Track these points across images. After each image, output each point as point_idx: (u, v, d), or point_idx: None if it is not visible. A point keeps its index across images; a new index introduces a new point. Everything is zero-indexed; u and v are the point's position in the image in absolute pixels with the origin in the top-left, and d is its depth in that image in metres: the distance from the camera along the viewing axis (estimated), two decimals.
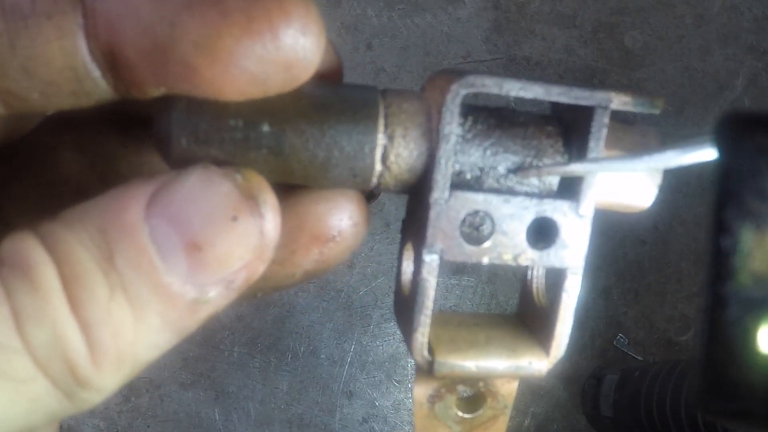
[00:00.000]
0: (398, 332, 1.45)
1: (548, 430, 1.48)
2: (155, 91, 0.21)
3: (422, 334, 0.25)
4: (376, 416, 1.44)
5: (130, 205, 0.20)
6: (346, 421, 1.43)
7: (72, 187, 0.29)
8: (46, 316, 0.19)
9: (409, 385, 1.44)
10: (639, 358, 1.49)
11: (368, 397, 1.44)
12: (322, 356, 1.43)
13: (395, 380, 1.44)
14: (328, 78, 0.24)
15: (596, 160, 0.24)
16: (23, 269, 0.19)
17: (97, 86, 0.21)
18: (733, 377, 0.17)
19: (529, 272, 0.29)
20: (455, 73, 0.23)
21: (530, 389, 1.46)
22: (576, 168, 0.24)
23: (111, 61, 0.21)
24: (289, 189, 0.24)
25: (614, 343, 1.48)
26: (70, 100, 0.22)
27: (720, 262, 0.17)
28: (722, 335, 0.17)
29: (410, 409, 1.43)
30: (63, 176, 0.29)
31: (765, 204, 0.17)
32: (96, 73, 0.21)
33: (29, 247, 0.20)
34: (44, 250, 0.20)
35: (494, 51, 1.50)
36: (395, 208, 1.43)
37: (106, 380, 0.20)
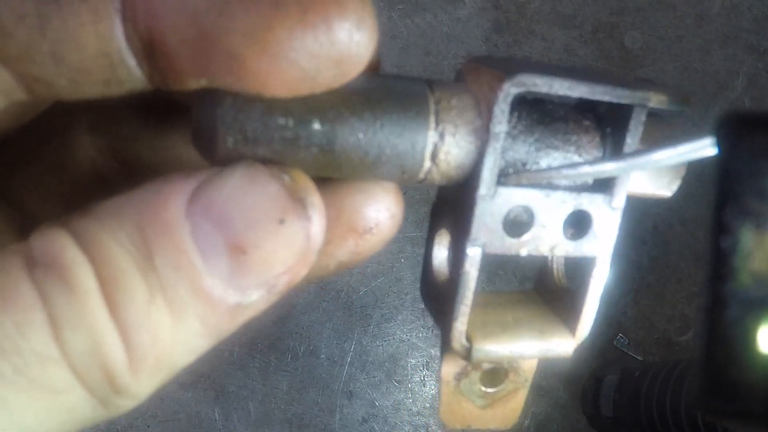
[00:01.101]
0: (398, 332, 1.46)
1: (548, 430, 1.48)
2: (195, 83, 0.20)
3: (462, 323, 0.25)
4: (376, 416, 1.44)
5: (171, 202, 0.19)
6: (346, 421, 1.43)
7: (89, 171, 0.28)
8: (84, 322, 0.18)
9: (409, 385, 1.44)
10: (639, 358, 1.49)
11: (368, 397, 1.44)
12: (322, 356, 1.43)
13: (395, 380, 1.44)
14: (370, 69, 0.23)
15: (636, 155, 0.24)
16: (58, 270, 0.18)
17: (131, 75, 0.20)
18: (733, 377, 0.17)
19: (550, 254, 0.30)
20: (498, 65, 0.23)
21: (530, 389, 1.46)
22: (617, 166, 0.24)
23: (149, 49, 0.19)
24: (325, 179, 0.23)
25: (614, 343, 1.48)
26: (101, 88, 0.20)
27: (720, 262, 0.17)
28: (722, 335, 0.17)
29: (410, 409, 1.43)
30: (79, 160, 0.27)
31: (765, 204, 0.17)
32: (131, 61, 0.20)
33: (63, 245, 0.18)
34: (79, 249, 0.18)
35: (494, 51, 1.50)
36: None
37: (143, 386, 0.20)
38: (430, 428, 1.44)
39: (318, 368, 1.43)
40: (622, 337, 1.48)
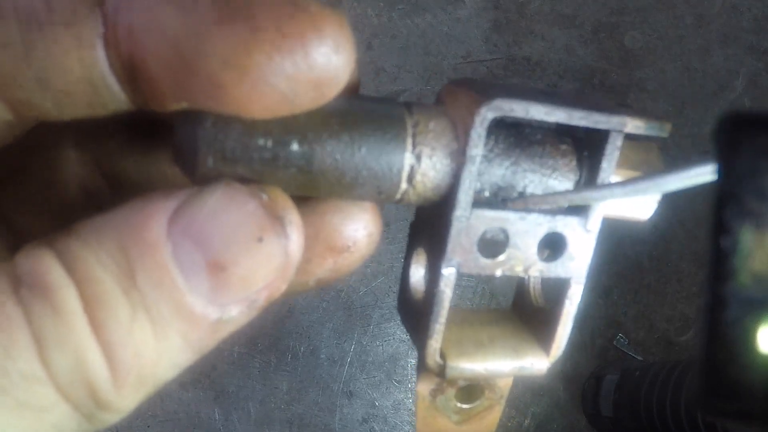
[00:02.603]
0: (398, 332, 1.46)
1: (548, 430, 1.48)
2: (176, 105, 0.21)
3: (436, 341, 0.26)
4: (376, 416, 1.44)
5: (152, 222, 0.20)
6: (346, 421, 1.43)
7: (76, 187, 0.28)
8: (68, 342, 0.19)
9: (409, 386, 1.44)
10: (639, 358, 1.49)
11: (368, 397, 1.44)
12: (322, 356, 1.43)
13: (395, 380, 1.44)
14: (348, 90, 0.24)
15: (606, 187, 0.24)
16: (43, 291, 0.19)
17: (115, 97, 0.21)
18: (733, 377, 0.17)
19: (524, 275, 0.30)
20: (475, 88, 0.24)
21: (530, 389, 1.46)
22: (588, 195, 0.25)
23: (131, 74, 0.20)
24: (304, 198, 0.24)
25: (614, 343, 1.48)
26: (85, 110, 0.21)
27: (720, 262, 0.17)
28: (722, 335, 0.17)
29: (410, 409, 1.43)
30: (66, 175, 0.28)
31: (765, 204, 0.17)
32: (114, 84, 0.20)
33: (48, 266, 0.19)
34: (63, 269, 0.19)
35: (494, 51, 1.50)
36: (395, 207, 1.42)
37: (127, 401, 0.20)
38: None
39: (318, 368, 1.43)
40: (622, 337, 1.48)
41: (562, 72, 1.51)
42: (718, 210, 0.17)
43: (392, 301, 1.44)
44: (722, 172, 0.17)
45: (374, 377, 1.44)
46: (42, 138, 0.27)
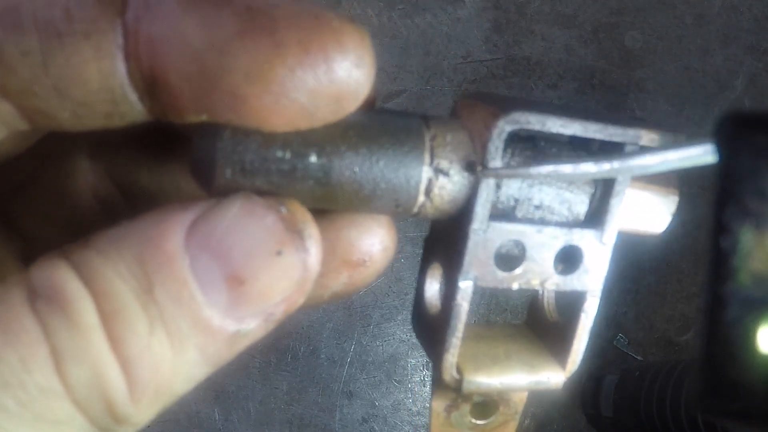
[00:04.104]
0: (398, 332, 1.46)
1: (548, 430, 1.48)
2: (195, 118, 0.20)
3: (453, 355, 0.26)
4: (376, 416, 1.44)
5: (170, 234, 0.19)
6: (346, 421, 1.43)
7: (89, 196, 0.28)
8: (86, 356, 0.18)
9: (409, 386, 1.44)
10: (639, 358, 1.49)
11: (368, 397, 1.44)
12: (322, 356, 1.43)
13: (395, 380, 1.44)
14: (367, 103, 0.23)
15: (633, 156, 0.24)
16: (60, 304, 0.18)
17: (133, 109, 0.20)
18: (733, 377, 0.17)
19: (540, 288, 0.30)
20: (494, 103, 0.24)
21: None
22: (612, 167, 0.24)
23: (151, 86, 0.20)
24: (321, 212, 0.24)
25: (614, 343, 1.48)
26: (102, 121, 0.21)
27: (720, 262, 0.17)
28: (722, 335, 0.17)
29: (410, 410, 1.43)
30: (79, 185, 0.28)
31: (765, 204, 0.17)
32: (133, 96, 0.20)
33: (65, 278, 0.19)
34: (80, 282, 0.19)
35: (494, 51, 1.50)
36: None
37: (143, 415, 0.20)
38: None
39: (318, 368, 1.43)
40: (622, 337, 1.48)
41: (562, 72, 1.51)
42: (718, 210, 0.17)
43: (392, 301, 1.44)
44: (722, 172, 0.17)
45: (374, 377, 1.44)
46: (55, 147, 0.27)
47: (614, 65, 1.53)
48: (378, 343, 1.44)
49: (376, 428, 1.44)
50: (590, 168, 0.24)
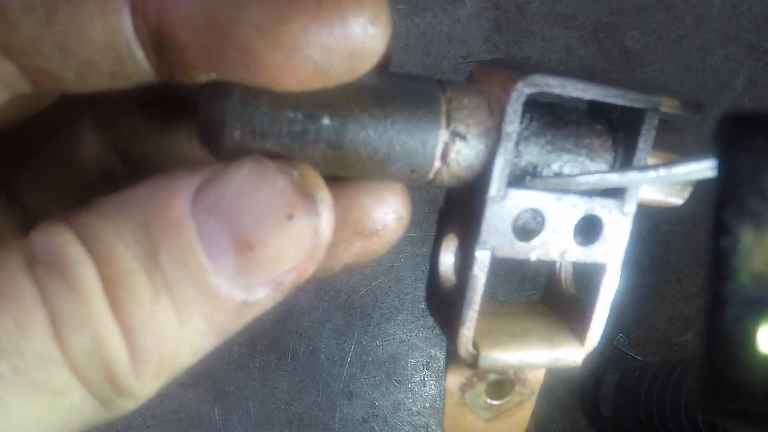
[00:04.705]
0: (398, 332, 1.46)
1: (548, 430, 1.48)
2: (204, 77, 0.20)
3: (469, 329, 0.25)
4: (376, 416, 1.44)
5: (176, 199, 0.19)
6: (346, 421, 1.43)
7: (92, 167, 0.27)
8: (86, 323, 0.18)
9: (409, 385, 1.44)
10: (639, 358, 1.49)
11: (368, 397, 1.44)
12: (322, 356, 1.43)
13: (395, 380, 1.44)
14: (381, 65, 0.22)
15: (643, 169, 0.24)
16: (60, 269, 0.18)
17: (139, 68, 0.20)
18: (733, 377, 0.17)
19: (558, 263, 0.30)
20: (511, 68, 0.23)
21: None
22: (629, 177, 0.24)
23: (158, 42, 0.19)
24: (332, 180, 0.23)
25: (614, 343, 1.48)
26: (108, 81, 0.20)
27: (720, 262, 0.17)
28: (722, 335, 0.17)
29: (410, 410, 1.43)
30: (82, 155, 0.27)
31: (765, 204, 0.17)
32: (140, 53, 0.19)
33: (65, 243, 0.18)
34: (82, 246, 0.18)
35: (494, 51, 1.50)
36: None
37: (146, 387, 0.19)
38: (430, 428, 1.44)
39: (318, 368, 1.43)
40: (622, 337, 1.48)
41: None
42: (718, 210, 0.17)
43: (392, 301, 1.44)
44: (722, 172, 0.17)
45: (374, 377, 1.44)
46: (59, 117, 0.26)
47: (614, 65, 1.53)
48: (378, 343, 1.44)
49: (376, 428, 1.44)
50: (601, 179, 0.24)
